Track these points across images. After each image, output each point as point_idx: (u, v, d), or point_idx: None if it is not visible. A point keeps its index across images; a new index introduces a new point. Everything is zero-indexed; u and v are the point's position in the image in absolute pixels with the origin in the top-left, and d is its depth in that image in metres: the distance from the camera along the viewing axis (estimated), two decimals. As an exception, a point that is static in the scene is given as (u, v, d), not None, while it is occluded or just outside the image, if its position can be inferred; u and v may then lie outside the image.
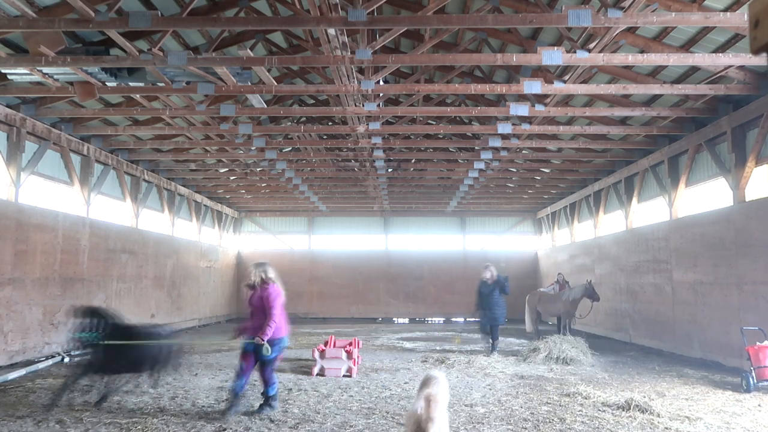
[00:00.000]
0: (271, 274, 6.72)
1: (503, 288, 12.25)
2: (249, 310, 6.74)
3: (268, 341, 6.40)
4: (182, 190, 19.01)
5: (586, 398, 7.59)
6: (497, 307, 12.17)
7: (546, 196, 21.35)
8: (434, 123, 15.19)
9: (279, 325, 6.55)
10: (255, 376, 7.02)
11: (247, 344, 6.58)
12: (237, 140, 13.77)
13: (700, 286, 11.49)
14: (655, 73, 10.57)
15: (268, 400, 6.71)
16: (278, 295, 6.61)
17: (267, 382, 6.68)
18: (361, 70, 10.15)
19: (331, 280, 24.60)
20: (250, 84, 9.79)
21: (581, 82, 10.27)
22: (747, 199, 10.36)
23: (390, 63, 9.31)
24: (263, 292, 6.58)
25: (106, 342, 6.71)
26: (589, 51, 8.47)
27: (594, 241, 17.83)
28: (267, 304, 6.49)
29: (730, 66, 9.24)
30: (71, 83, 9.75)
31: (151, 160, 15.81)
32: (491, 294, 12.20)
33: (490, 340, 12.53)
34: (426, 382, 4.26)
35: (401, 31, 9.18)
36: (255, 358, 6.57)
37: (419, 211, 24.91)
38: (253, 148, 14.15)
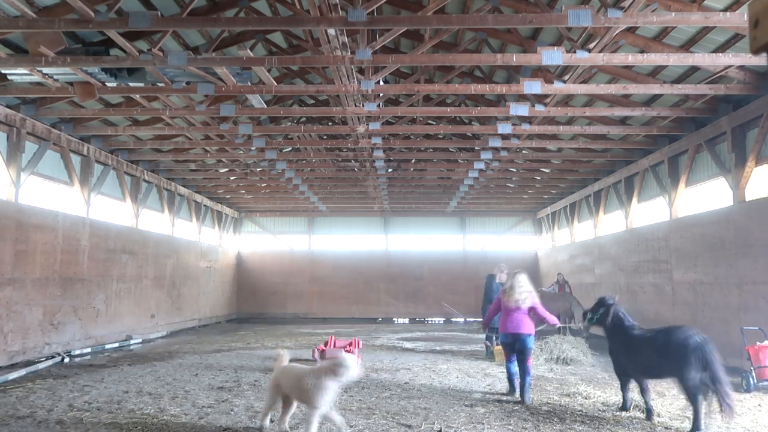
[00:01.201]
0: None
1: None
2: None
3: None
4: (182, 190, 19.01)
5: (586, 398, 7.60)
6: None
7: (546, 196, 21.35)
8: (434, 123, 15.19)
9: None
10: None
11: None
12: (237, 140, 13.77)
13: (700, 286, 11.49)
14: (655, 73, 10.57)
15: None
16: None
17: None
18: (361, 70, 10.14)
19: (332, 280, 24.59)
20: (250, 84, 9.78)
21: (581, 82, 10.26)
22: (747, 199, 10.36)
23: (390, 63, 9.31)
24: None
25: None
26: (589, 51, 8.47)
27: (594, 241, 17.83)
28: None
29: (730, 66, 9.24)
30: (71, 83, 9.75)
31: (151, 160, 15.82)
32: None
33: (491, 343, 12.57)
34: None
35: (401, 31, 9.18)
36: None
37: (419, 211, 24.92)
38: (253, 148, 14.15)
